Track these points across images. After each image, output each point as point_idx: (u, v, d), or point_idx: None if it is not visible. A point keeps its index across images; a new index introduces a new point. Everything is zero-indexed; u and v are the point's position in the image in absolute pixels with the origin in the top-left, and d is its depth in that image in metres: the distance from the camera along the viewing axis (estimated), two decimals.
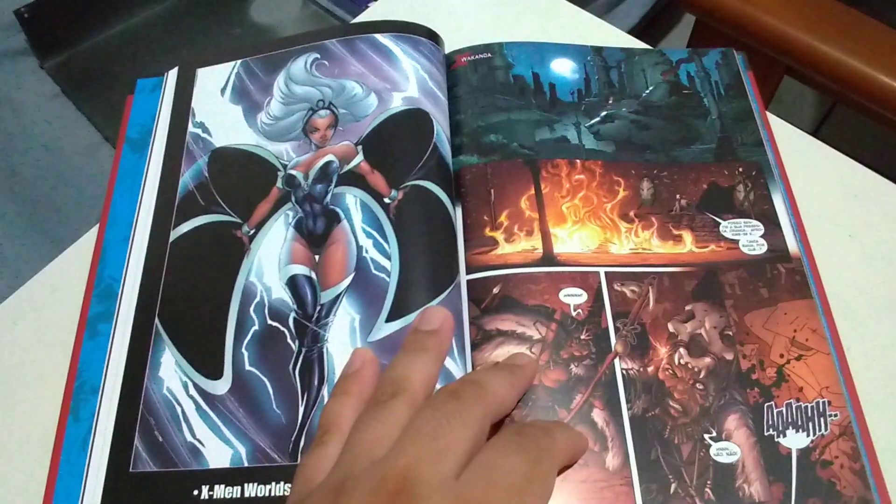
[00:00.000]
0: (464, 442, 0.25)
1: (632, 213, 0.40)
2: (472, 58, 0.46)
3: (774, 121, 0.45)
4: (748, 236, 0.39)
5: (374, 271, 0.37)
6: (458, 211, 0.40)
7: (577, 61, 0.46)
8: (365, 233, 0.39)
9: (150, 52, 1.02)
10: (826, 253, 0.39)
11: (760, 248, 0.39)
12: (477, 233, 0.39)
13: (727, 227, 0.39)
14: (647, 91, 0.44)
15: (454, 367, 0.34)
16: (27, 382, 0.38)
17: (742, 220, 0.40)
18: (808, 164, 0.43)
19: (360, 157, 0.41)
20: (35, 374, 0.38)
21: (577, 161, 0.41)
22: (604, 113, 0.44)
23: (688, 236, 0.39)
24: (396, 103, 0.43)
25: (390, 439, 0.25)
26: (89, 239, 0.42)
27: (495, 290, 0.37)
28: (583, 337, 0.36)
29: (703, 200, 0.40)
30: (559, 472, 0.31)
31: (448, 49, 0.47)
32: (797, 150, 0.44)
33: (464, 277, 0.38)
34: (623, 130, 0.43)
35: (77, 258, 0.41)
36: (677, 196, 0.40)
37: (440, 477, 0.23)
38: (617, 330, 0.36)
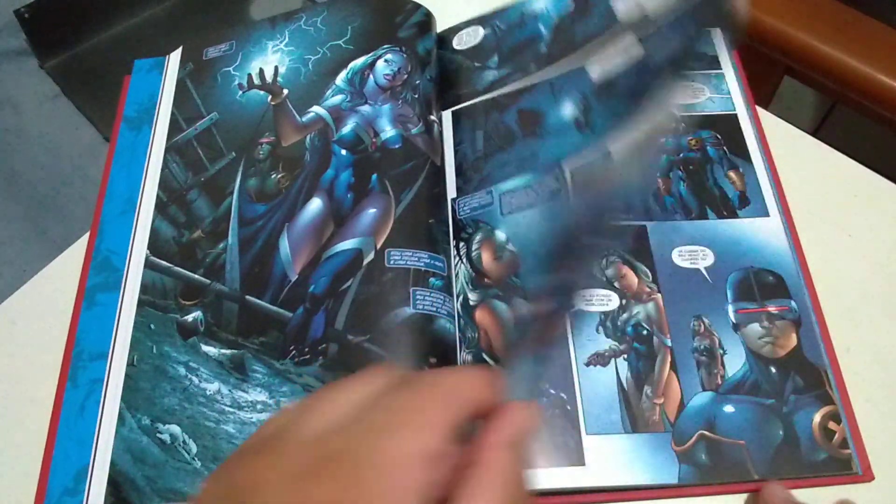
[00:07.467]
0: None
1: None
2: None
3: (774, 121, 0.45)
4: None
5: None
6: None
7: None
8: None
9: (150, 52, 1.02)
10: (826, 253, 0.39)
11: None
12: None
13: None
14: None
15: None
16: (25, 382, 0.38)
17: None
18: (807, 164, 0.43)
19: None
20: (33, 375, 0.38)
21: None
22: None
23: None
24: None
25: (344, 415, 0.21)
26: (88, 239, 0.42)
27: None
28: None
29: None
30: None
31: (443, 27, 0.48)
32: (796, 151, 0.44)
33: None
34: None
35: (77, 259, 0.41)
36: None
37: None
38: None
